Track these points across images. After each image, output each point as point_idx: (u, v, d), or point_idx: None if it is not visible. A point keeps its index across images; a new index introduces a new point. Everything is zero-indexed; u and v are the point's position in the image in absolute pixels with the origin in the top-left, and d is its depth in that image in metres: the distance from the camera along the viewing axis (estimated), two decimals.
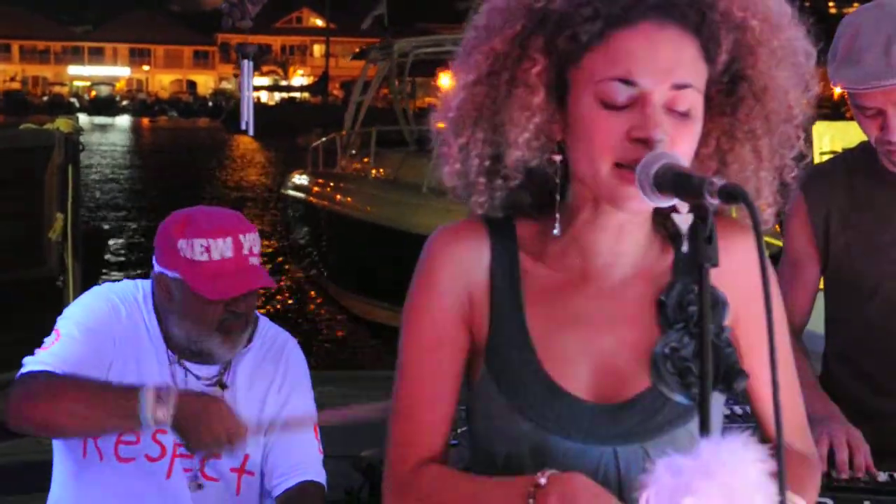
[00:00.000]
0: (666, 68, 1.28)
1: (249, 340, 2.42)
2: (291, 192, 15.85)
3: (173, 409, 2.09)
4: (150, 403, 2.09)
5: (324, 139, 15.36)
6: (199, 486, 2.34)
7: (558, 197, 1.38)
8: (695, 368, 1.21)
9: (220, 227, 2.29)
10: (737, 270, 1.34)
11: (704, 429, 1.20)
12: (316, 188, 14.30)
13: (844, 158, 2.43)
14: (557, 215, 1.38)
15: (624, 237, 1.39)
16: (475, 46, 1.37)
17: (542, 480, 1.26)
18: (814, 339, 2.48)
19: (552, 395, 1.36)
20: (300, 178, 15.57)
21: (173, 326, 2.34)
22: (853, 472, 2.09)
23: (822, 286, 2.44)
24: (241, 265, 2.28)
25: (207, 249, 2.25)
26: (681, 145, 1.29)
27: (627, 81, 1.28)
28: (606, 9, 1.29)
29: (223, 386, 2.38)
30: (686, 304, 1.25)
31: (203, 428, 2.12)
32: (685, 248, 1.17)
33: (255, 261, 2.30)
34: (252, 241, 2.31)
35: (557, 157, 1.36)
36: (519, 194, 1.41)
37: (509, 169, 1.37)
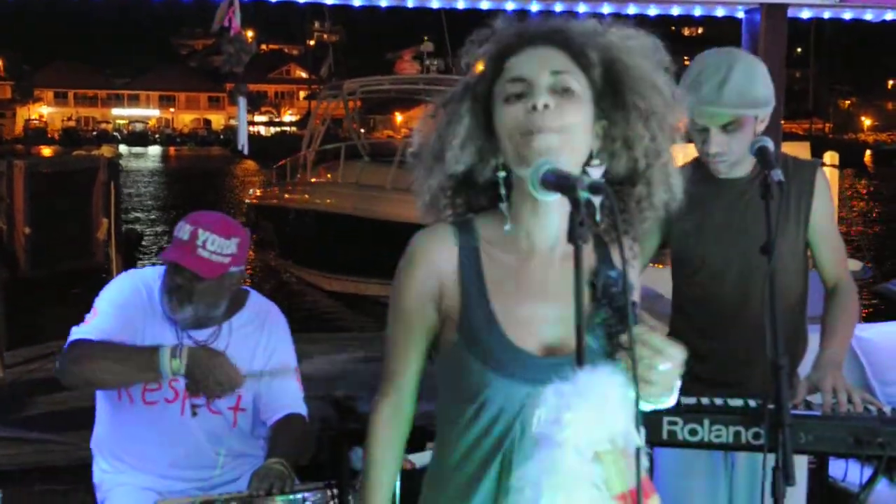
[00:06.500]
0: (543, 63, 1.36)
1: (241, 307, 2.41)
2: (258, 201, 15.35)
3: (186, 361, 2.10)
4: (167, 358, 2.10)
5: (284, 160, 14.82)
6: (195, 414, 2.32)
7: (504, 202, 1.41)
8: (619, 337, 1.28)
9: (196, 220, 2.30)
10: None
11: (580, 362, 1.21)
12: (286, 194, 13.69)
13: (683, 169, 2.44)
14: (507, 214, 1.41)
15: (558, 223, 1.40)
16: (432, 117, 1.45)
17: None
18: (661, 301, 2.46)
19: (512, 352, 1.37)
20: (266, 189, 15.10)
21: None
22: (852, 406, 2.04)
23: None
24: (187, 248, 2.25)
25: (178, 230, 2.29)
26: (568, 114, 1.34)
27: (518, 79, 1.36)
28: (502, 41, 1.40)
29: None
30: (608, 287, 1.33)
31: (210, 376, 2.12)
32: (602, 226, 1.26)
33: (202, 252, 2.25)
34: (209, 239, 2.26)
35: (501, 174, 1.40)
36: (478, 199, 1.45)
37: (452, 179, 1.41)
